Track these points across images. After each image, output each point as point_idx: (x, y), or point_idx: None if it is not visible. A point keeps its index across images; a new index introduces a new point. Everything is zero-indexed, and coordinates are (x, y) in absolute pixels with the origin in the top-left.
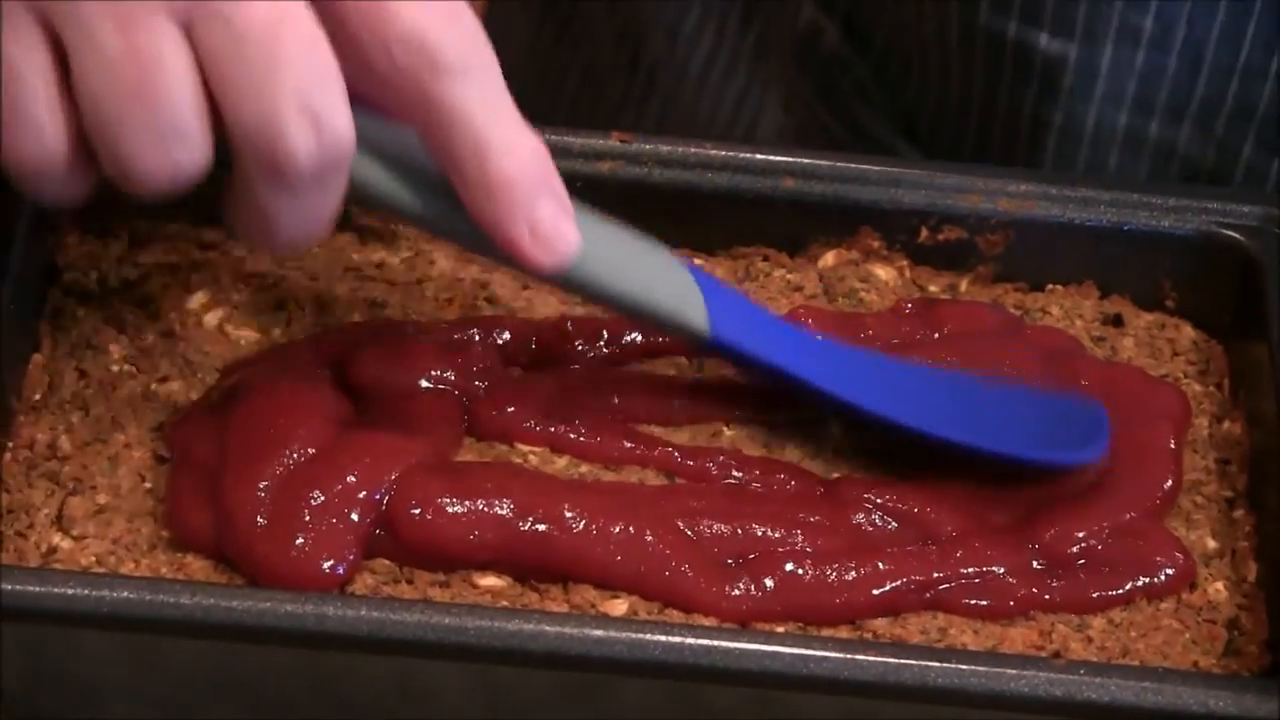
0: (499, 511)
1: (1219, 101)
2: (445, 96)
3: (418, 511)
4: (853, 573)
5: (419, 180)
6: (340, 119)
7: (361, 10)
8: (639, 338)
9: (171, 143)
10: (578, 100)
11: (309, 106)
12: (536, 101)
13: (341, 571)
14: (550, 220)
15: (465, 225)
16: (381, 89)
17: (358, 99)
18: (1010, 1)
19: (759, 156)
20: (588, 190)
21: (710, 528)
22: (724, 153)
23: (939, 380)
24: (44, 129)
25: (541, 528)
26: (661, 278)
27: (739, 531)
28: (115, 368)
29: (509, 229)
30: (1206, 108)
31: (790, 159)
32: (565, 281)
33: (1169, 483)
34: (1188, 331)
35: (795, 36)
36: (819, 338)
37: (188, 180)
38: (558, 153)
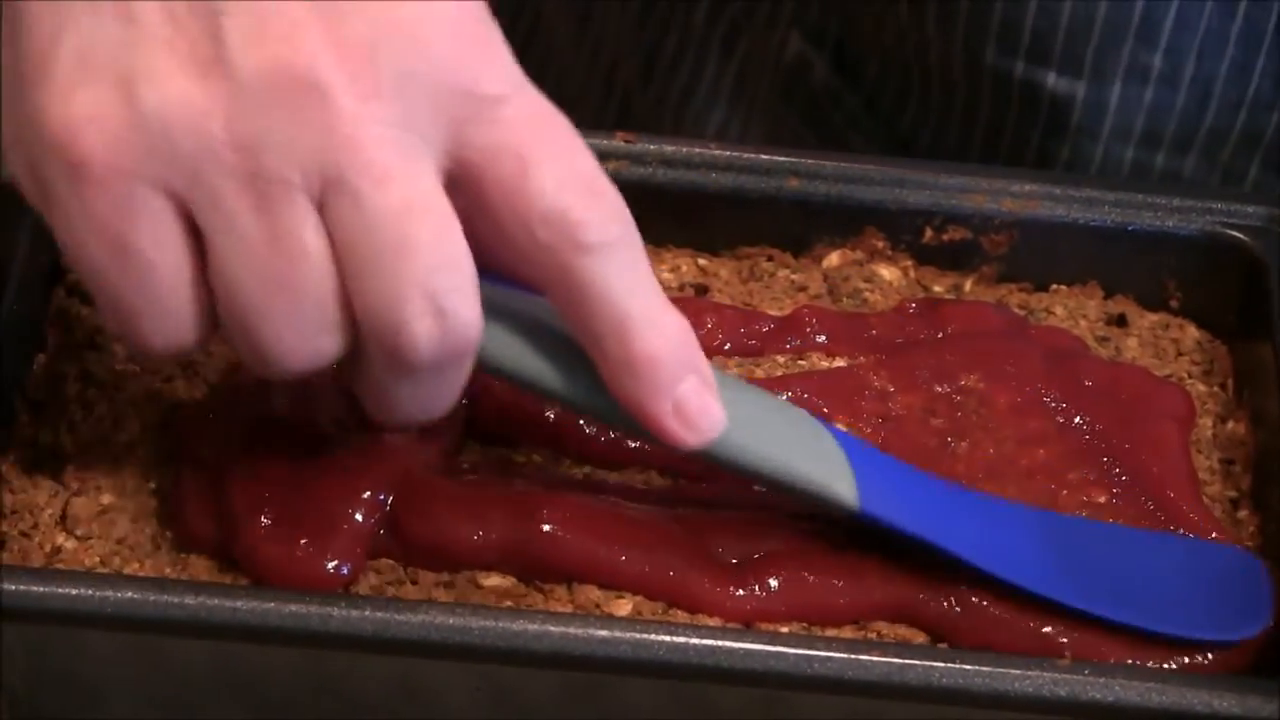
0: (502, 512)
1: (1226, 132)
2: (586, 272)
3: (421, 512)
4: (858, 573)
5: (555, 355)
6: (466, 310)
7: (503, 186)
8: None
9: (314, 332)
10: None
11: (435, 296)
12: None
13: (346, 572)
14: (695, 399)
15: (604, 400)
16: (520, 264)
17: (494, 270)
18: (1018, 41)
19: (763, 157)
20: None
21: (714, 528)
22: (728, 153)
23: (1081, 536)
24: (179, 319)
25: (545, 528)
26: (808, 448)
27: (744, 531)
28: (119, 367)
29: (653, 407)
30: (1213, 138)
31: (795, 159)
32: (708, 456)
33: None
34: (1192, 332)
35: (781, 69)
36: (961, 493)
37: (327, 362)
38: None
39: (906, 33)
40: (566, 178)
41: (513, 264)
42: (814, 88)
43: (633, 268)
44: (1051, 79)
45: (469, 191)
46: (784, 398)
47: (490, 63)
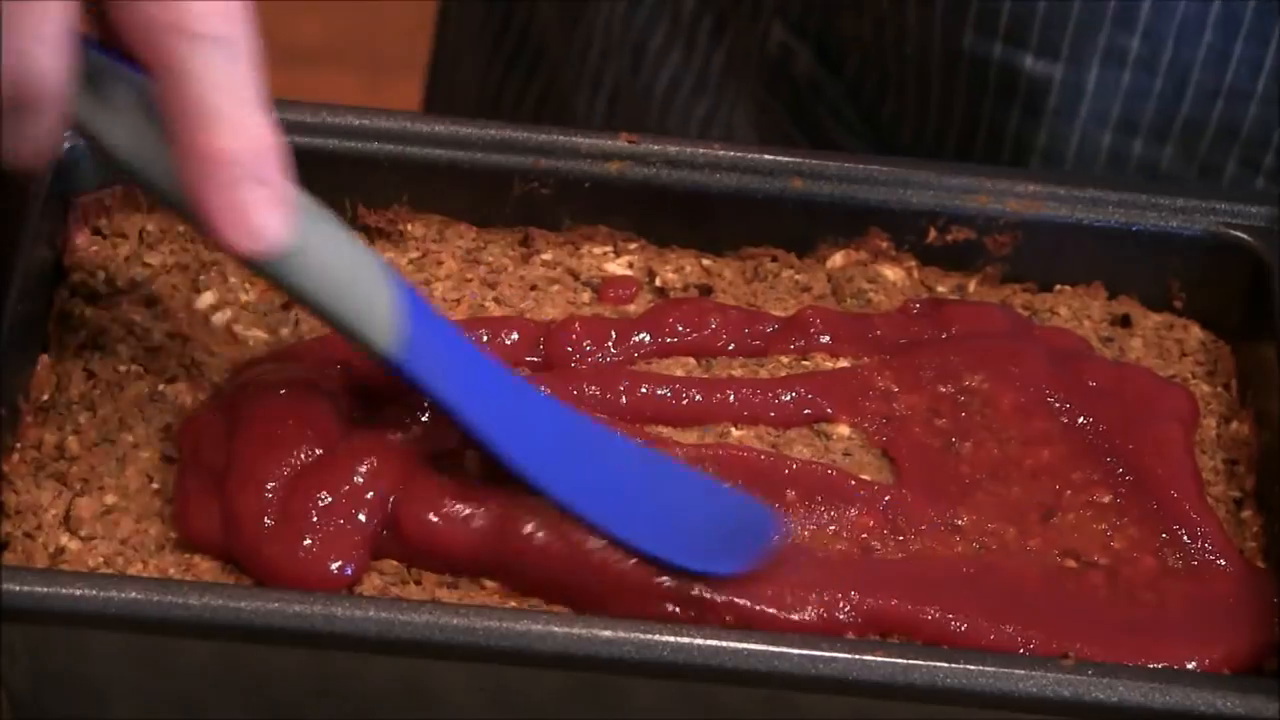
0: (490, 521)
1: (1204, 122)
2: (186, 59)
3: (423, 513)
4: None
5: (148, 136)
6: (46, 62)
7: None
8: (647, 338)
9: None
10: (538, 120)
11: (19, 45)
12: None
13: (349, 572)
14: (255, 207)
15: (172, 189)
16: (133, 36)
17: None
18: (996, 24)
19: (767, 157)
20: (595, 190)
21: None
22: (732, 153)
23: (623, 456)
24: None
25: (541, 535)
26: (360, 295)
27: None
28: (123, 368)
29: (211, 203)
30: (1191, 128)
31: (799, 159)
32: (261, 271)
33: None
34: (1196, 332)
35: (765, 59)
36: (532, 395)
37: None
38: (566, 152)
39: (885, 22)
40: None
41: (131, 41)
42: (797, 78)
43: (235, 68)
44: (1029, 61)
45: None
46: (788, 397)
47: None
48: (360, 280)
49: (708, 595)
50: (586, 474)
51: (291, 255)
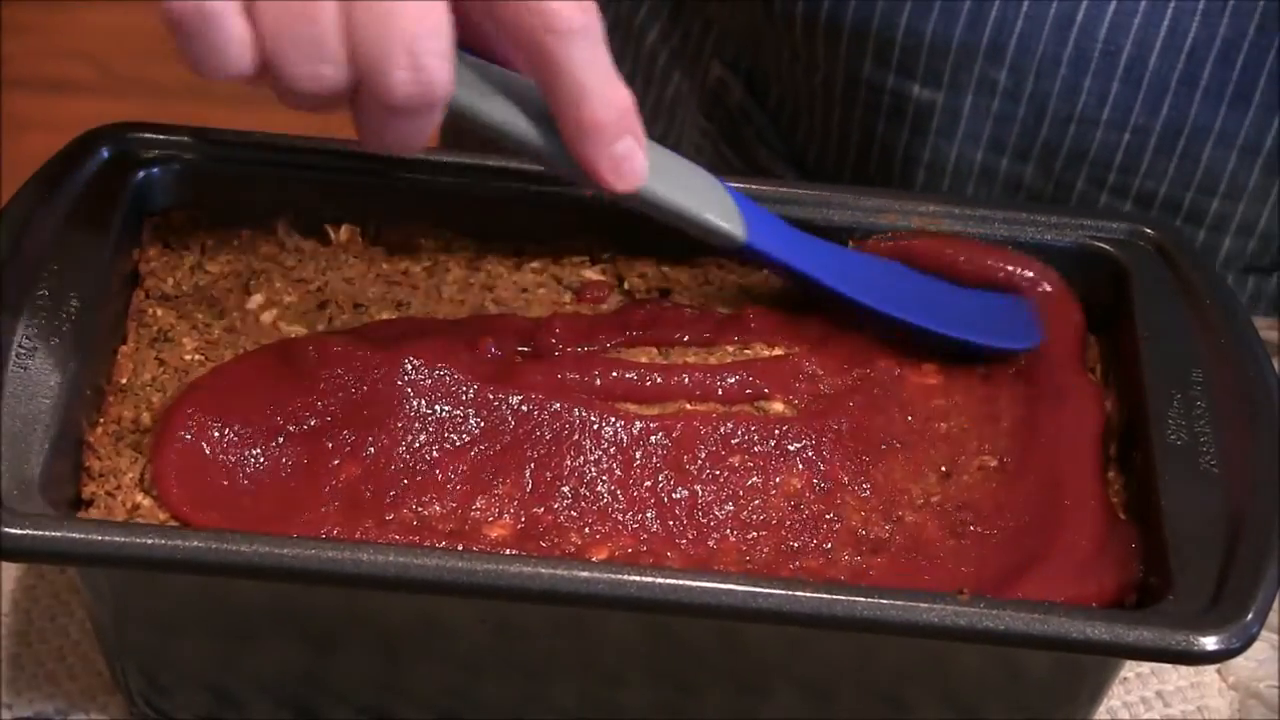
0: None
1: (1059, 145)
2: (557, 52)
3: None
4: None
5: (524, 114)
6: (437, 70)
7: None
8: (617, 332)
9: (319, 59)
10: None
11: (414, 55)
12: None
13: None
14: (626, 155)
15: (560, 151)
16: (508, 44)
17: (485, 47)
18: (890, 57)
19: None
20: (575, 211)
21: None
22: None
23: (912, 279)
24: (226, 43)
25: None
26: (708, 197)
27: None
28: (188, 357)
29: (595, 161)
30: (1048, 149)
31: (743, 184)
32: (632, 199)
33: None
34: None
35: (706, 91)
36: (832, 247)
37: (329, 92)
38: (547, 180)
39: (799, 56)
40: None
41: (502, 45)
42: (730, 107)
43: (593, 50)
44: (916, 90)
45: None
46: (733, 380)
47: None
48: (705, 188)
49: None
50: (893, 290)
51: (652, 182)
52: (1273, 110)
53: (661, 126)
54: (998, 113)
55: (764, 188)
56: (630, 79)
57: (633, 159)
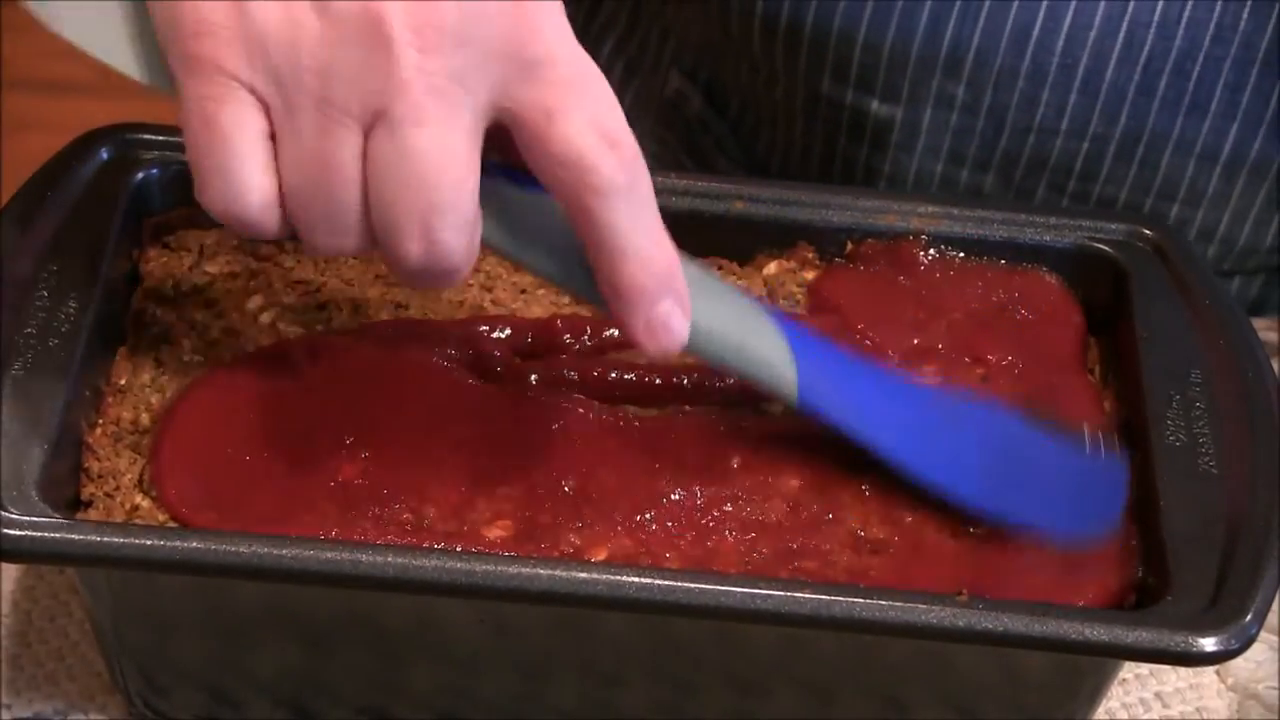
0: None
1: (1018, 154)
2: (595, 210)
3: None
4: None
5: (566, 259)
6: (454, 243)
7: (531, 133)
8: (615, 332)
9: (339, 231)
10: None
11: (429, 229)
12: None
13: None
14: (664, 320)
15: (600, 300)
16: (547, 185)
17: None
18: (848, 73)
19: (714, 184)
20: None
21: None
22: (685, 181)
23: (985, 434)
24: (242, 188)
25: None
26: (760, 349)
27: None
28: (186, 358)
29: (629, 322)
30: (1007, 159)
31: (740, 186)
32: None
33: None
34: None
35: (664, 101)
36: (898, 385)
37: (351, 253)
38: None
39: (759, 70)
40: (587, 128)
41: (546, 185)
42: (689, 118)
43: (636, 209)
44: (875, 105)
45: (508, 133)
46: (731, 381)
47: (539, 29)
48: (758, 334)
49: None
50: (955, 448)
51: (697, 337)
52: (1229, 118)
53: None
54: (956, 126)
55: (762, 189)
56: None
57: (670, 323)
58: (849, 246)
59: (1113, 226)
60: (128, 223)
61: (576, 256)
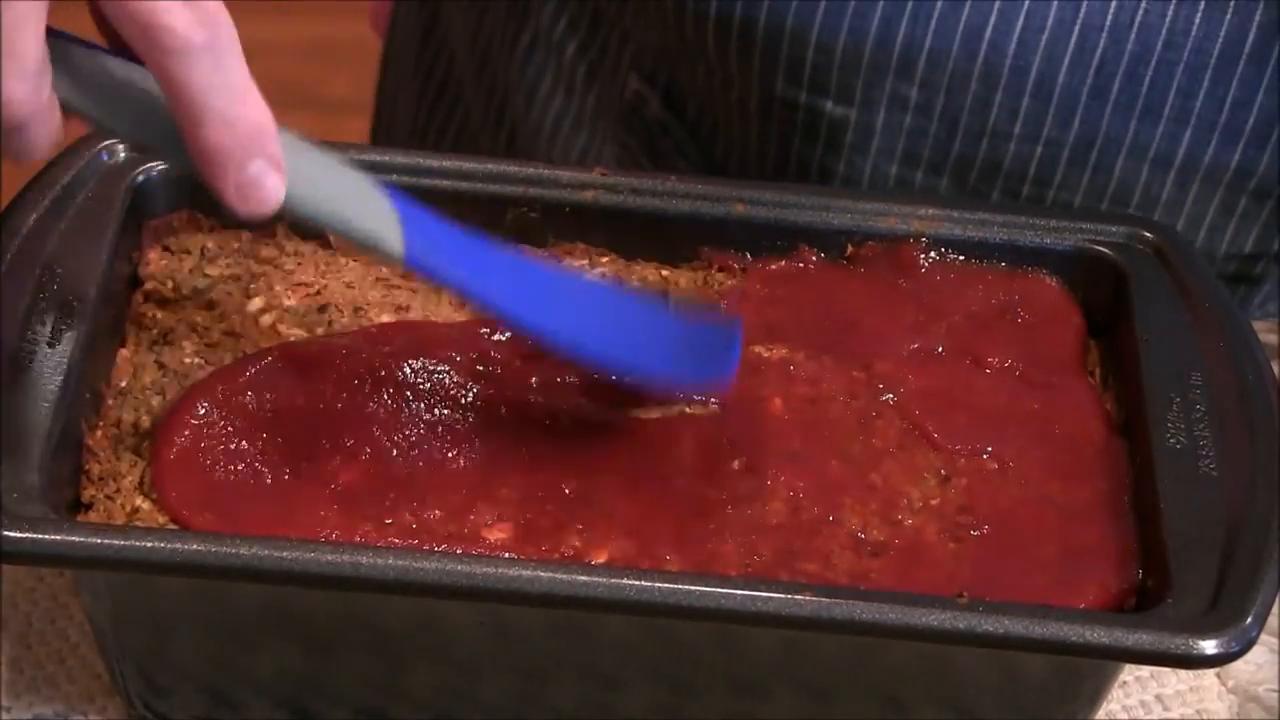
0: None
1: (971, 158)
2: (173, 72)
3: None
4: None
5: (153, 120)
6: (12, 98)
7: None
8: None
9: None
10: (457, 151)
11: None
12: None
13: None
14: (254, 180)
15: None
16: (130, 48)
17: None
18: (801, 76)
19: (714, 188)
20: (574, 213)
21: None
22: (685, 184)
23: (598, 295)
24: None
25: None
26: (362, 209)
27: None
28: (187, 360)
29: (218, 185)
30: (961, 163)
31: (740, 189)
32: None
33: None
34: None
35: (624, 104)
36: (515, 258)
37: None
38: (550, 183)
39: (714, 72)
40: None
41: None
42: (649, 121)
43: (217, 67)
44: (829, 106)
45: None
46: None
47: None
48: (361, 198)
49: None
50: (572, 315)
51: (294, 198)
52: (1182, 123)
53: (583, 139)
54: (910, 128)
55: (763, 192)
56: (552, 91)
57: (262, 184)
58: (849, 249)
59: (1113, 229)
60: (128, 225)
61: (167, 121)
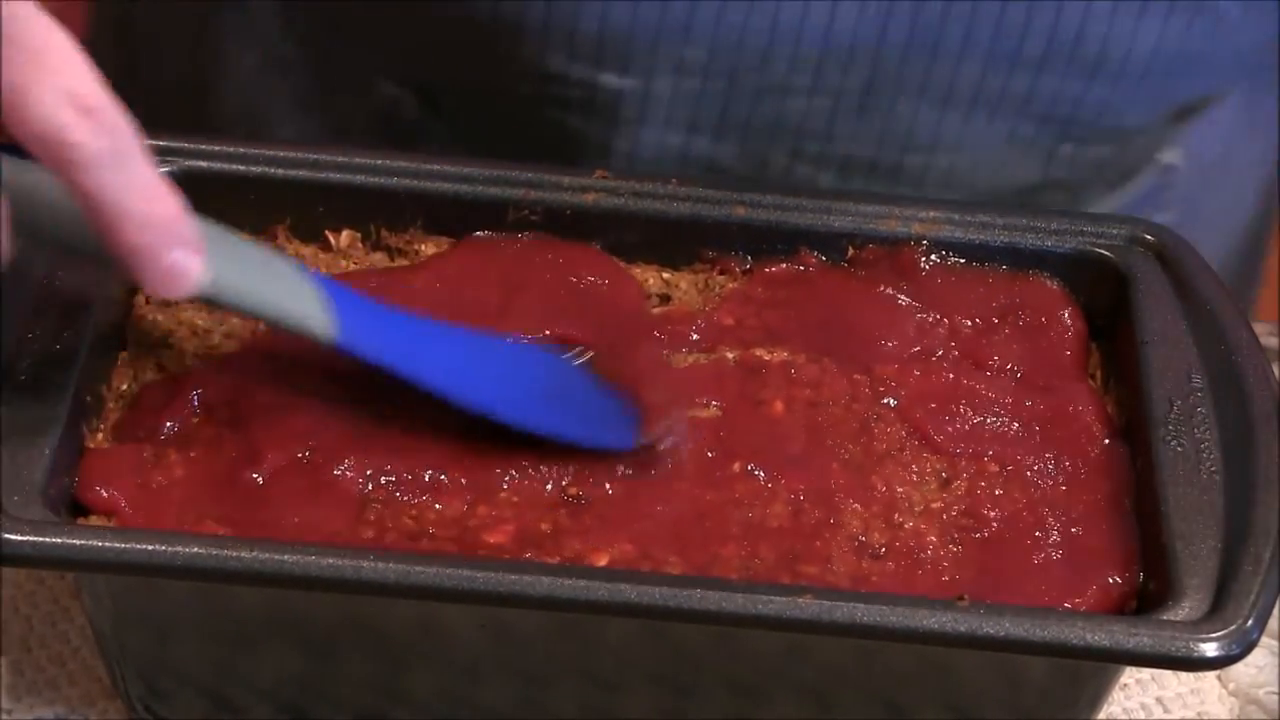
0: None
1: (756, 119)
2: (82, 182)
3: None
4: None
5: (76, 226)
6: None
7: (4, 105)
8: None
9: None
10: None
11: None
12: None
13: None
14: (176, 268)
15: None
16: (39, 160)
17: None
18: (578, 48)
19: (715, 190)
20: (575, 216)
21: None
22: (685, 187)
23: (529, 364)
24: None
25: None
26: (287, 292)
27: None
28: (188, 362)
29: (146, 276)
30: (745, 125)
31: (741, 192)
32: (204, 300)
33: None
34: None
35: (374, 115)
36: (438, 329)
37: None
38: (551, 186)
39: (479, 61)
40: (59, 100)
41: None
42: (405, 124)
43: (123, 172)
44: (606, 78)
45: None
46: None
47: None
48: (286, 283)
49: None
50: (498, 383)
51: (219, 285)
52: (962, 59)
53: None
54: (692, 92)
55: (763, 195)
56: (292, 111)
57: (185, 268)
58: (850, 251)
59: (1114, 231)
60: None
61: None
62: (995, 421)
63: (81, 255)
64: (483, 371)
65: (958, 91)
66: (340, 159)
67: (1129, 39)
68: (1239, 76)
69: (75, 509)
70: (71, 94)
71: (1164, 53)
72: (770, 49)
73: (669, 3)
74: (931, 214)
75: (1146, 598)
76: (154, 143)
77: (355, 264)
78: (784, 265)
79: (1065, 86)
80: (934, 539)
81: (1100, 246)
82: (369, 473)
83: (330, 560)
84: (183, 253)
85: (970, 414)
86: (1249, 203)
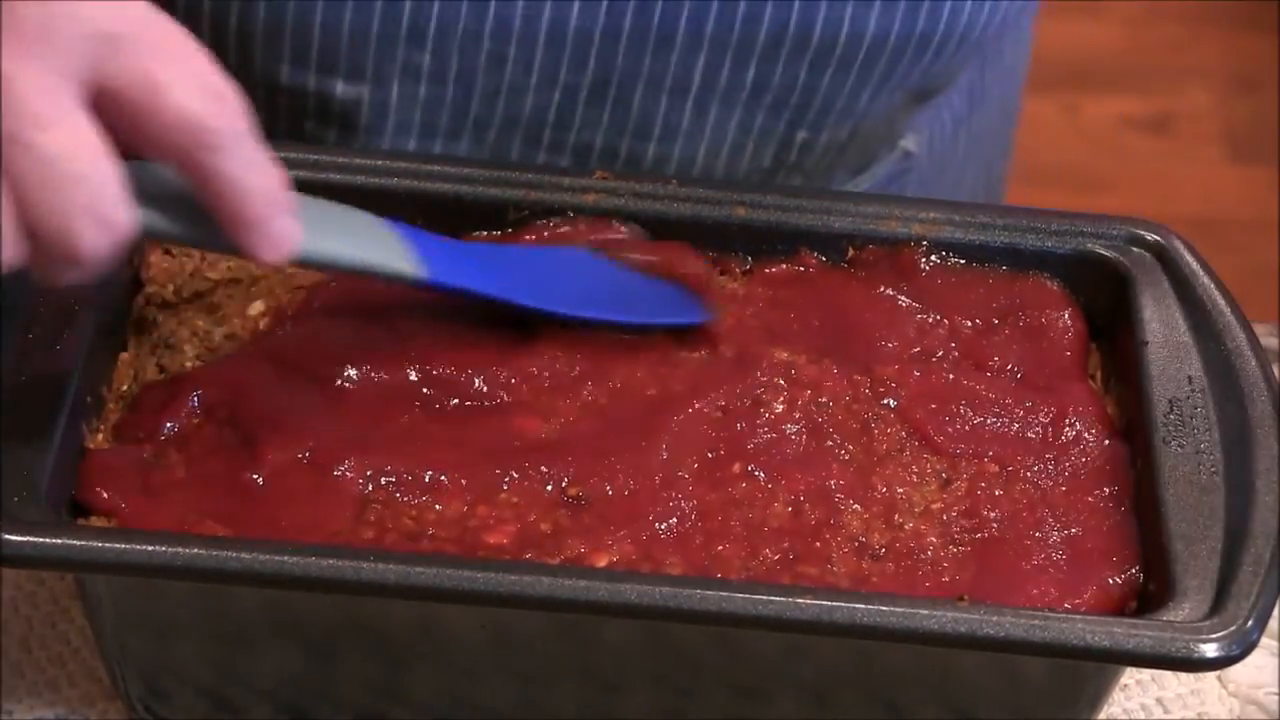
0: None
1: (490, 117)
2: (215, 166)
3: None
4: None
5: (184, 212)
6: (123, 216)
7: (137, 100)
8: None
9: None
10: None
11: (98, 214)
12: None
13: None
14: (282, 234)
15: (222, 240)
16: (162, 156)
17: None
18: (308, 57)
19: (715, 191)
20: (576, 216)
21: None
22: (686, 188)
23: (590, 269)
24: None
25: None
26: (375, 243)
27: None
28: (188, 363)
29: (256, 248)
30: (480, 124)
31: (741, 192)
32: (299, 262)
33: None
34: None
35: None
36: (503, 250)
37: (11, 268)
38: (551, 186)
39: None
40: (195, 89)
41: (156, 154)
42: None
43: (248, 150)
44: (340, 87)
45: (115, 110)
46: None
47: (110, 5)
48: (369, 233)
49: None
50: (573, 288)
51: (315, 245)
52: (696, 51)
53: None
54: (425, 97)
55: (763, 195)
56: None
57: (290, 234)
58: (850, 252)
59: (1114, 232)
60: None
61: (196, 209)
62: (995, 422)
63: (182, 242)
64: (556, 280)
65: (690, 82)
66: (340, 159)
67: (858, 25)
68: (969, 58)
69: (75, 509)
70: (203, 81)
71: (894, 38)
72: (501, 52)
73: (398, 11)
74: (931, 215)
75: (1146, 598)
76: None
77: None
78: (784, 266)
79: (796, 75)
80: (934, 539)
81: (1100, 247)
82: (369, 473)
83: (330, 561)
84: (286, 219)
85: (970, 414)
86: (976, 178)
